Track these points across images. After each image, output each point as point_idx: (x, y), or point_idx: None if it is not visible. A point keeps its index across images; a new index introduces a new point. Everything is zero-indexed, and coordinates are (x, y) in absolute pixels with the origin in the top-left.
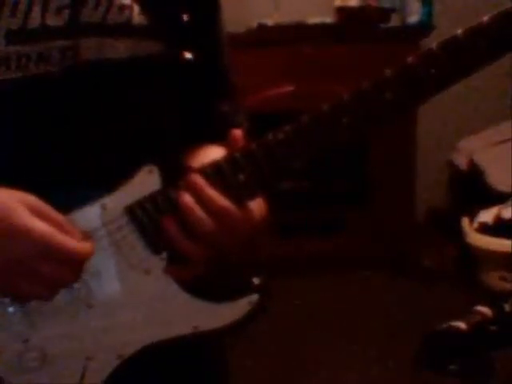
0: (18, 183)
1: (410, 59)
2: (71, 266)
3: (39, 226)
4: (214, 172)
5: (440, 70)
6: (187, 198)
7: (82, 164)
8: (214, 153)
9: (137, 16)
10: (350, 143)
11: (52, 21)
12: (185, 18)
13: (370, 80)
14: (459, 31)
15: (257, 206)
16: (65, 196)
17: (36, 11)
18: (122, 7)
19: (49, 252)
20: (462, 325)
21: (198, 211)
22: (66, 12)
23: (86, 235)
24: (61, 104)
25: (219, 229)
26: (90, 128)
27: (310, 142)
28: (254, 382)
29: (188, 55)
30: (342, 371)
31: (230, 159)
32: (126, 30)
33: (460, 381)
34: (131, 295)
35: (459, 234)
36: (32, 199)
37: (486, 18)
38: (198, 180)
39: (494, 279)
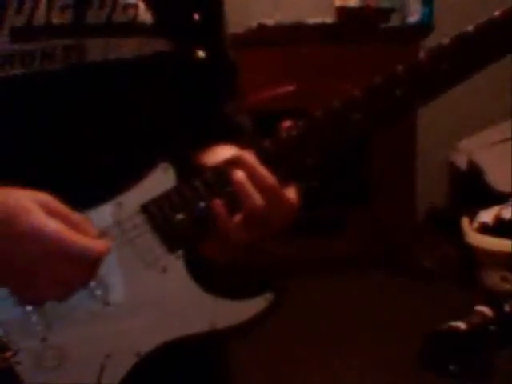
0: (18, 180)
1: (421, 55)
2: (85, 265)
3: (53, 225)
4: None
5: (451, 66)
6: (240, 174)
7: (83, 163)
8: (224, 153)
9: (143, 14)
10: (360, 140)
11: (57, 19)
12: (196, 17)
13: (381, 76)
14: (470, 27)
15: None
16: (67, 195)
17: (41, 9)
18: (127, 6)
19: (63, 251)
20: (462, 325)
21: (250, 187)
22: (70, 11)
23: (102, 233)
24: (65, 102)
25: (267, 206)
26: (94, 127)
27: (322, 139)
28: (254, 381)
29: (201, 53)
30: (341, 371)
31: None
32: (131, 29)
33: (460, 381)
34: (148, 293)
35: (459, 234)
36: (47, 198)
37: (496, 13)
38: (252, 158)
39: (495, 279)
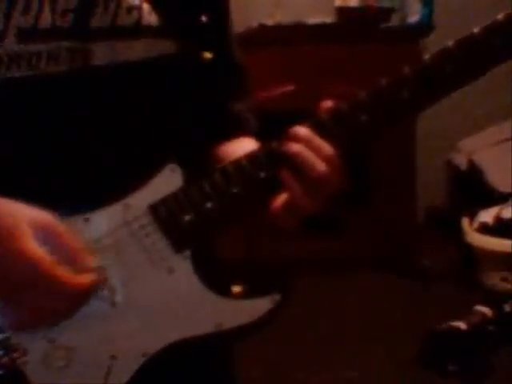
0: (23, 181)
1: (426, 57)
2: (63, 300)
3: (36, 253)
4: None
5: (456, 68)
6: (296, 146)
7: (88, 165)
8: (245, 145)
9: (147, 16)
10: (368, 142)
11: (60, 22)
12: (203, 19)
13: (387, 78)
14: (475, 29)
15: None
16: (72, 195)
17: (46, 12)
18: (131, 8)
19: (38, 281)
20: (462, 325)
21: (310, 156)
22: (71, 16)
23: (100, 267)
24: (70, 104)
25: (330, 173)
26: (100, 129)
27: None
28: (253, 381)
29: (208, 55)
30: (341, 371)
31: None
32: (136, 31)
33: (460, 381)
34: (154, 294)
35: (459, 234)
36: (44, 220)
37: (500, 16)
38: (305, 130)
39: (495, 279)
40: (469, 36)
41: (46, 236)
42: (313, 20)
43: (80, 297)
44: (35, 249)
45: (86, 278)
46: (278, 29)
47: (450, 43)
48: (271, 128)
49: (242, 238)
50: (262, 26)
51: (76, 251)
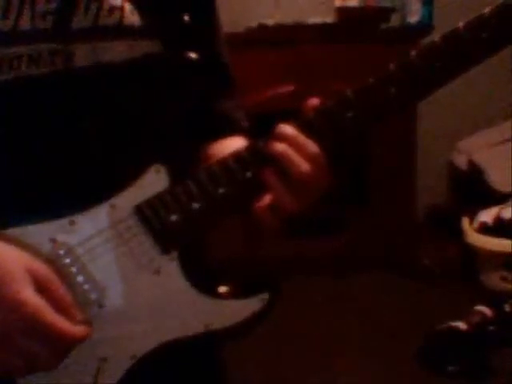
0: (7, 183)
1: (412, 53)
2: (56, 348)
3: (34, 302)
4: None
5: (443, 63)
6: (281, 146)
7: (76, 166)
8: (233, 143)
9: (129, 16)
10: (354, 140)
11: (40, 24)
12: (186, 18)
13: (373, 75)
14: (460, 24)
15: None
16: (58, 199)
17: (26, 14)
18: (112, 9)
19: (35, 329)
20: (462, 325)
21: (295, 155)
22: (51, 17)
23: (87, 320)
24: (52, 107)
25: (314, 172)
26: (85, 130)
27: (319, 140)
28: (252, 381)
29: (192, 55)
30: (341, 371)
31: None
32: (118, 31)
33: (460, 381)
34: (142, 295)
35: (459, 233)
36: (40, 269)
37: (486, 11)
38: (290, 129)
39: (494, 279)
40: (454, 31)
41: (41, 284)
42: (313, 20)
43: (72, 347)
44: (35, 297)
45: (81, 330)
46: (278, 29)
47: (436, 39)
48: (271, 128)
49: (241, 237)
50: (262, 26)
51: (68, 303)
